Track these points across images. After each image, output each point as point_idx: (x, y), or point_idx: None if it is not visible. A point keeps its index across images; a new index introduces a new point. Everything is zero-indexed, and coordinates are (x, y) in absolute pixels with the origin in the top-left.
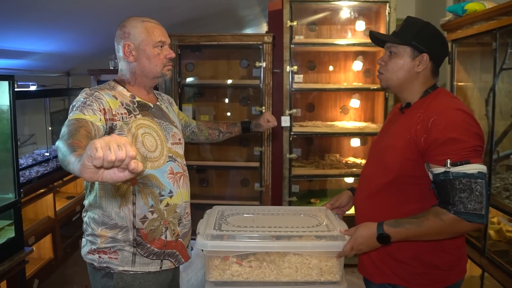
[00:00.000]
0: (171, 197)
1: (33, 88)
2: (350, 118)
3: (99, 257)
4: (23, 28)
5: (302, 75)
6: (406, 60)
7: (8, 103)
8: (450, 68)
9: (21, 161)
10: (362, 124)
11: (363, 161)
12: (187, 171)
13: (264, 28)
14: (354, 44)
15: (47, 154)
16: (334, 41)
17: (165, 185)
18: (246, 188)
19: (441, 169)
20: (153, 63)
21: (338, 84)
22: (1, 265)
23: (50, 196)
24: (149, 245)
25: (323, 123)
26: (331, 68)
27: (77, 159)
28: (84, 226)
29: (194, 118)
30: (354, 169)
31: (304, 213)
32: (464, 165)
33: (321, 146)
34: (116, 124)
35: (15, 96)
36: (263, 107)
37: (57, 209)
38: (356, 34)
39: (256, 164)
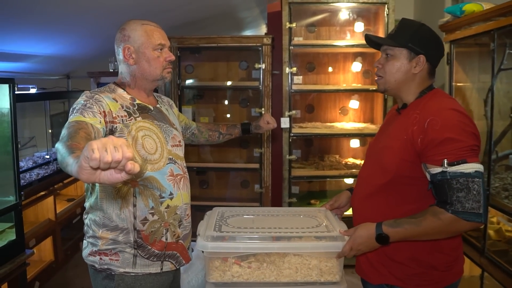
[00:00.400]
0: (171, 199)
1: (33, 91)
2: (349, 119)
3: (100, 259)
4: (23, 31)
5: (301, 77)
6: (403, 62)
7: (8, 106)
8: (448, 69)
9: (21, 163)
10: (361, 125)
11: (363, 162)
12: (187, 173)
13: (263, 30)
14: (353, 45)
15: (48, 156)
16: (333, 42)
17: (166, 187)
18: (246, 190)
19: (438, 169)
20: (153, 66)
21: (337, 85)
22: (2, 268)
23: (50, 199)
24: (149, 247)
25: (323, 124)
26: (330, 69)
27: (75, 160)
28: (85, 228)
29: (193, 120)
30: (353, 170)
31: (304, 214)
32: (461, 165)
33: (321, 147)
34: (116, 126)
35: (16, 99)
36: (263, 109)
37: (57, 212)
38: (355, 36)
39: (256, 165)
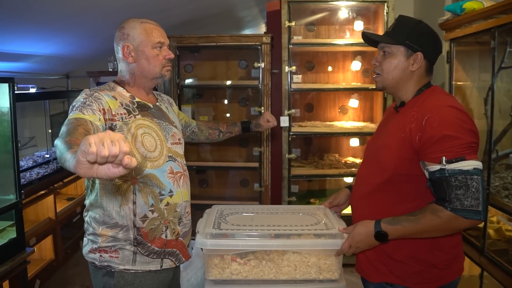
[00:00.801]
0: (171, 196)
1: (32, 90)
2: (349, 118)
3: (100, 256)
4: (23, 31)
5: (300, 76)
6: (401, 60)
7: (8, 106)
8: (448, 67)
9: (21, 163)
10: (361, 124)
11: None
12: (187, 171)
13: (262, 29)
14: (352, 44)
15: (47, 156)
16: (332, 41)
17: (165, 184)
18: (245, 189)
19: (436, 167)
20: (152, 64)
21: (336, 84)
22: (3, 265)
23: (50, 198)
24: (149, 244)
25: (322, 123)
26: (329, 68)
27: (72, 155)
28: (85, 225)
29: (193, 119)
30: (353, 169)
31: (303, 211)
32: (460, 162)
33: (320, 146)
34: (115, 124)
35: (15, 99)
36: (262, 108)
37: (57, 211)
38: (354, 34)
39: (256, 164)
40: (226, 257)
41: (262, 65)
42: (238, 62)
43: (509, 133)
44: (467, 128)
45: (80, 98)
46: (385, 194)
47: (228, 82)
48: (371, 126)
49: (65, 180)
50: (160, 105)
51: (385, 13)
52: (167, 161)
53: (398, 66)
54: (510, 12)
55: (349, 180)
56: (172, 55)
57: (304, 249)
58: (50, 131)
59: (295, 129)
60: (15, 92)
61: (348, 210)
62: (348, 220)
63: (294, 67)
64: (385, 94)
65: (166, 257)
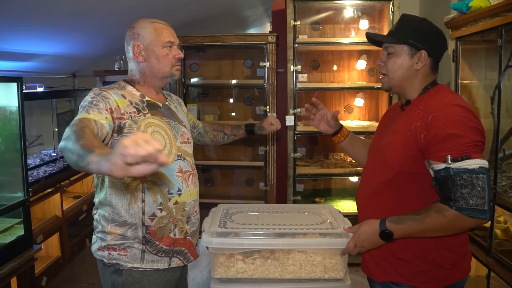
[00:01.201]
0: (179, 195)
1: (40, 89)
2: (354, 117)
3: (109, 254)
4: (30, 31)
5: (306, 75)
6: (405, 59)
7: (16, 104)
8: (454, 66)
9: (29, 161)
10: (366, 123)
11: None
12: (196, 170)
13: (267, 28)
14: (357, 43)
15: (54, 154)
16: (337, 40)
17: (174, 183)
18: (251, 188)
19: (441, 165)
20: (162, 63)
21: (342, 83)
22: (11, 262)
23: (57, 196)
24: (157, 243)
25: None
26: (335, 67)
27: (101, 158)
28: (95, 223)
29: (198, 118)
30: (358, 168)
31: (308, 210)
32: (465, 161)
33: (326, 145)
34: (124, 122)
35: (23, 98)
36: (267, 107)
37: (64, 209)
38: (359, 33)
39: (261, 163)
40: (232, 255)
41: (268, 64)
42: (244, 61)
43: None
44: (472, 126)
45: (88, 97)
46: (390, 193)
47: (234, 81)
48: (376, 125)
49: (71, 179)
50: (170, 104)
51: (390, 12)
52: (176, 160)
53: (403, 65)
54: None
55: (354, 179)
56: (181, 55)
57: (310, 248)
58: (56, 129)
59: (301, 128)
60: (23, 91)
61: (353, 209)
62: (353, 219)
63: (299, 66)
64: (391, 93)
65: (175, 255)
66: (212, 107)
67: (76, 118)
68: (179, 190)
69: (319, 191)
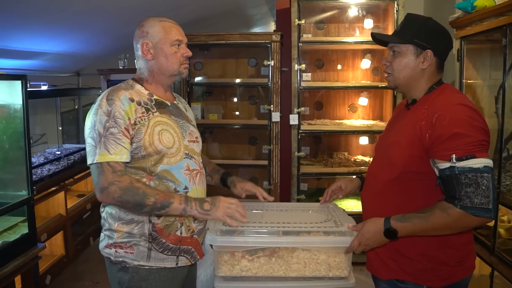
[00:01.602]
0: (186, 193)
1: (44, 88)
2: (358, 116)
3: (116, 251)
4: (35, 29)
5: (310, 74)
6: (411, 58)
7: (21, 102)
8: (459, 65)
9: (33, 159)
10: (370, 122)
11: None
12: (204, 169)
13: (272, 26)
14: (362, 42)
15: (58, 153)
16: (342, 39)
17: (181, 181)
18: None
19: (446, 164)
20: (170, 61)
21: (346, 82)
22: (16, 260)
23: (61, 194)
24: (164, 240)
25: (332, 121)
26: (339, 66)
27: (189, 207)
28: (102, 221)
29: (203, 117)
30: (362, 167)
31: (313, 209)
32: (470, 160)
33: (330, 144)
34: (136, 127)
35: (28, 96)
36: (272, 106)
37: (68, 207)
38: (364, 32)
39: (265, 162)
40: (236, 253)
41: (272, 63)
42: (248, 60)
43: None
44: (477, 126)
45: (101, 117)
46: (395, 192)
47: (238, 80)
48: (381, 125)
49: (75, 177)
50: (178, 103)
51: (395, 11)
52: (184, 158)
53: (408, 64)
54: None
55: None
56: (190, 53)
57: (314, 246)
58: (60, 128)
59: (305, 127)
60: (28, 89)
61: (357, 208)
62: (357, 218)
63: (303, 65)
64: (395, 92)
65: (182, 254)
66: (216, 106)
67: (101, 161)
68: (186, 188)
69: (323, 190)
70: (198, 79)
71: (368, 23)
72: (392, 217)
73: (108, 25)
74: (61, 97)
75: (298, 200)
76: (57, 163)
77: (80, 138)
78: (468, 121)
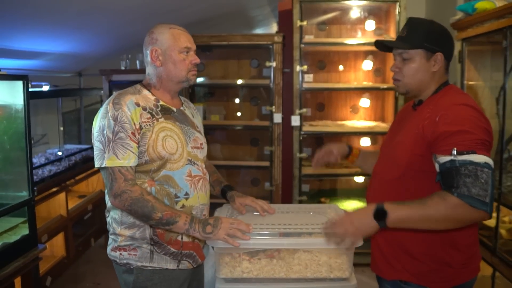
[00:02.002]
0: (186, 199)
1: (46, 88)
2: (360, 118)
3: (120, 254)
4: (36, 29)
5: (312, 75)
6: (421, 63)
7: (22, 103)
8: (460, 67)
9: (34, 160)
10: (372, 123)
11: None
12: (207, 175)
13: (274, 28)
14: (364, 44)
15: (59, 153)
16: (344, 40)
17: (182, 187)
18: (256, 188)
19: (447, 158)
20: (179, 68)
21: (348, 83)
22: (16, 261)
23: (62, 195)
24: (165, 245)
25: (333, 123)
26: (341, 67)
27: (195, 229)
28: (108, 225)
29: (204, 117)
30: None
31: (314, 210)
32: (471, 154)
33: None
34: (141, 132)
35: (29, 96)
36: (273, 107)
37: (69, 208)
38: (366, 34)
39: (266, 163)
40: (237, 255)
41: (274, 64)
42: (250, 61)
43: None
44: (481, 125)
45: (110, 122)
46: (399, 191)
47: (240, 81)
48: (382, 126)
49: (76, 178)
50: (184, 109)
51: (397, 13)
52: (186, 164)
53: (420, 69)
54: None
55: (360, 179)
56: (198, 60)
57: (315, 247)
58: (62, 128)
59: (306, 128)
60: (29, 89)
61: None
62: None
63: (305, 66)
64: (397, 93)
65: (184, 259)
66: (218, 107)
67: (111, 165)
68: (187, 194)
69: (325, 191)
70: (200, 80)
71: (370, 25)
72: (387, 201)
73: (110, 25)
74: (62, 98)
75: (300, 201)
76: (58, 163)
77: (82, 139)
78: (472, 120)
